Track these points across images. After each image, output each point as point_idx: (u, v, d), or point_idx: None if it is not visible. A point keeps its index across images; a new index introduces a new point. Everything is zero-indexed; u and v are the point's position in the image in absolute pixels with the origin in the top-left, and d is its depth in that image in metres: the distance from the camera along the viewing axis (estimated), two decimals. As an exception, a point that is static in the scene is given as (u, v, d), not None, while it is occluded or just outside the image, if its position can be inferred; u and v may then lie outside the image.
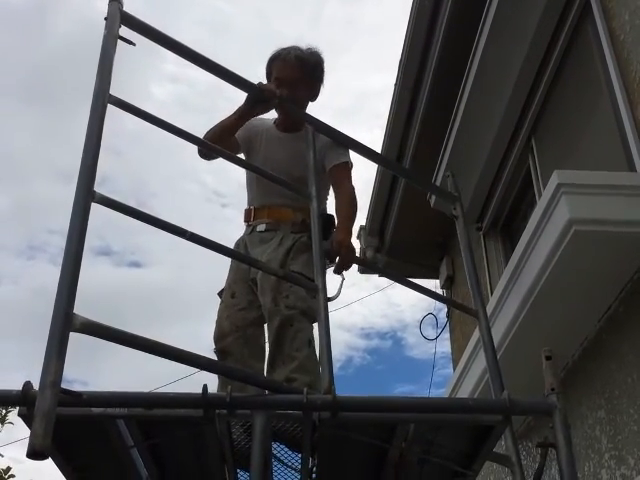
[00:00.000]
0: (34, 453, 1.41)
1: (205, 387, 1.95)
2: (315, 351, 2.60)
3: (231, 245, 2.91)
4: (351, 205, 2.80)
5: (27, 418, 1.99)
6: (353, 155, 2.93)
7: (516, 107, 4.44)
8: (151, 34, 2.21)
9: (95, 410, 2.02)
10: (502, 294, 3.25)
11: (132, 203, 2.02)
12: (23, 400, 1.92)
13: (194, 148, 2.80)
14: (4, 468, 4.05)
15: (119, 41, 2.06)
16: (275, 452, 2.40)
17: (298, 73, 2.88)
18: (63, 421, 2.04)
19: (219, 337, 2.67)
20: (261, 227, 2.85)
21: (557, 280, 2.79)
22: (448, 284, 6.44)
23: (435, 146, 5.04)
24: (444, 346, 6.83)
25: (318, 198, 2.45)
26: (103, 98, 1.93)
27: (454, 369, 6.02)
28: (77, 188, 1.76)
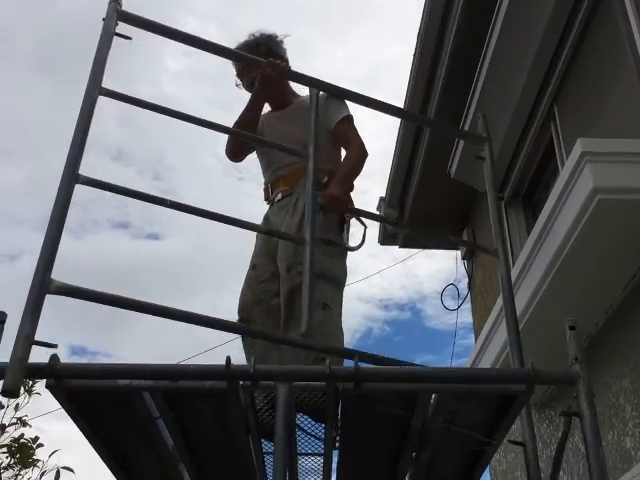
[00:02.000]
0: (4, 392, 1.73)
1: (228, 359, 1.96)
2: (333, 315, 2.61)
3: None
4: (354, 159, 2.84)
5: (54, 389, 2.03)
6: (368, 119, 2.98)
7: (538, 74, 4.38)
8: (150, 28, 2.34)
9: (121, 382, 2.04)
10: (525, 263, 3.23)
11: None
12: (50, 372, 1.95)
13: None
14: (32, 437, 4.14)
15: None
16: (298, 422, 2.42)
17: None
18: (90, 392, 2.09)
19: (242, 308, 2.71)
20: (278, 196, 2.88)
21: (581, 249, 2.76)
22: (469, 255, 6.42)
23: (455, 118, 4.99)
24: (464, 317, 6.82)
25: (315, 156, 2.44)
26: (94, 92, 2.11)
27: (475, 339, 6.02)
28: (63, 172, 1.98)
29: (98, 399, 2.15)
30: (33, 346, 1.81)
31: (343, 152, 2.99)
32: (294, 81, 2.95)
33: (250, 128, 2.90)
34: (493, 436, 2.42)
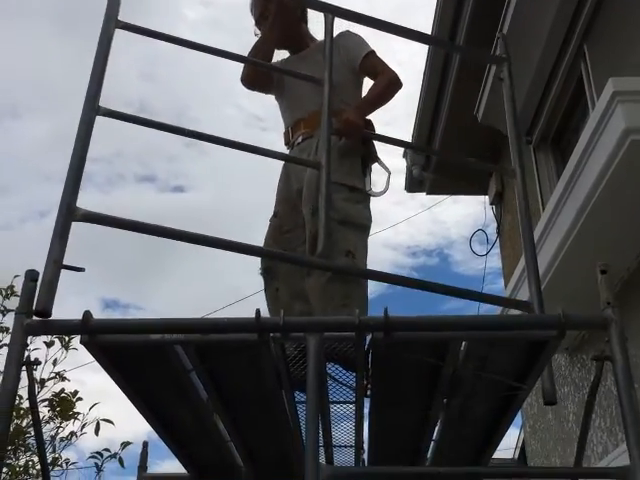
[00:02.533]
0: (38, 313, 1.89)
1: (258, 311, 1.97)
2: (357, 263, 2.61)
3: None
4: (381, 86, 2.82)
5: (88, 345, 2.07)
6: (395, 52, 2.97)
7: (567, 12, 4.24)
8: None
9: (153, 336, 2.07)
10: (555, 207, 3.19)
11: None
12: (83, 328, 1.98)
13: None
14: (72, 392, 4.26)
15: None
16: (329, 371, 2.44)
17: (268, 3, 2.99)
18: (123, 347, 2.13)
19: (262, 258, 2.71)
20: (299, 139, 2.86)
21: (613, 192, 2.71)
22: (497, 200, 6.36)
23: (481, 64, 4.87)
24: (493, 261, 6.78)
25: (330, 83, 2.39)
26: (110, 25, 2.17)
27: (505, 285, 6.00)
28: (83, 105, 2.06)
29: (132, 353, 2.19)
30: (69, 306, 1.86)
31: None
32: (308, 7, 2.92)
33: (264, 60, 2.92)
34: (524, 381, 2.42)
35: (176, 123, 2.21)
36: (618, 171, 2.61)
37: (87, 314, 1.97)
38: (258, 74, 3.02)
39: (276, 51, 3.09)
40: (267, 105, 3.22)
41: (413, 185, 7.17)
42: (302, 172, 2.70)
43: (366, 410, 2.66)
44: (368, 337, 2.13)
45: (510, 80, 2.74)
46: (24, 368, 1.97)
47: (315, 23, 3.13)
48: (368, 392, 2.52)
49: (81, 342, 2.07)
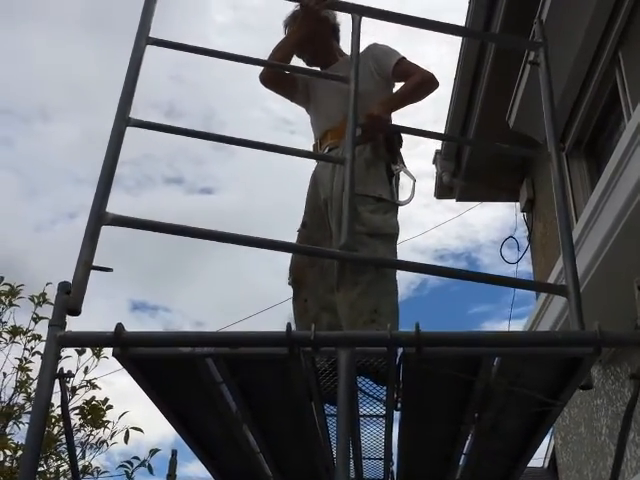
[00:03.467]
0: (69, 311, 2.00)
1: (289, 326, 1.97)
2: (387, 272, 2.59)
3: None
4: (413, 82, 2.80)
5: (120, 357, 2.08)
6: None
7: (602, 17, 4.18)
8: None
9: (184, 349, 2.07)
10: (589, 219, 3.13)
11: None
12: (116, 341, 1.99)
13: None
14: (102, 400, 4.29)
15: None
16: (360, 385, 2.43)
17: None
18: (154, 360, 2.14)
19: (293, 269, 2.73)
20: (325, 150, 2.85)
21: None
22: (528, 207, 6.28)
23: (513, 65, 4.82)
24: (522, 265, 6.66)
25: (356, 80, 2.37)
26: (142, 41, 2.24)
27: (536, 294, 5.92)
28: (115, 116, 2.14)
29: (163, 365, 2.19)
30: (102, 319, 1.88)
31: None
32: (333, 9, 2.92)
33: (288, 56, 2.94)
34: (558, 397, 2.38)
35: (204, 125, 2.31)
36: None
37: (119, 327, 1.98)
38: (275, 73, 3.02)
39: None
40: (295, 108, 3.22)
41: (443, 191, 7.11)
42: (329, 182, 2.70)
43: (396, 423, 2.64)
44: (399, 350, 2.11)
45: (546, 63, 2.64)
46: (57, 380, 2.00)
47: (346, 41, 3.14)
48: (398, 405, 2.50)
49: (113, 354, 2.08)
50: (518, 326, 11.29)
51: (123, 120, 2.15)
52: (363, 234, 2.57)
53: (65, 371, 2.12)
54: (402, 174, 2.85)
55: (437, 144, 6.78)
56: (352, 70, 2.41)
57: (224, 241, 2.16)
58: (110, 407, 4.20)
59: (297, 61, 3.12)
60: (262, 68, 2.99)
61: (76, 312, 1.98)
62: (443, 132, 6.45)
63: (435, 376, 2.24)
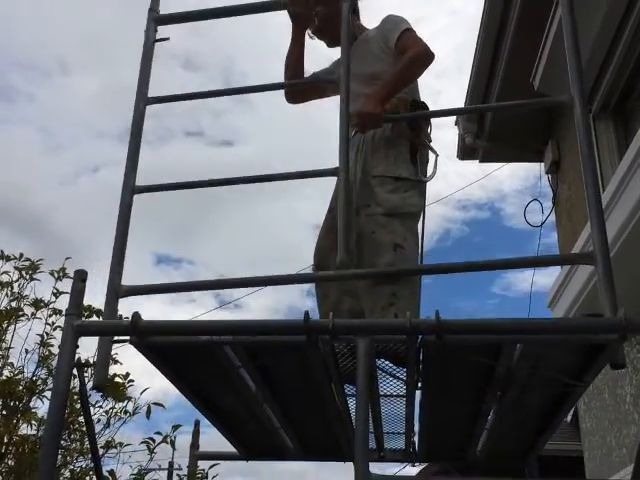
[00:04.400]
0: (96, 388, 2.10)
1: (307, 314, 1.94)
2: (407, 254, 2.55)
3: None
4: (402, 65, 2.68)
5: (137, 345, 2.07)
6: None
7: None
8: (187, 19, 2.47)
9: (202, 337, 2.06)
10: (615, 191, 3.04)
11: (220, 84, 2.36)
12: (133, 330, 1.98)
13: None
14: (124, 374, 4.33)
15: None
16: (380, 365, 2.41)
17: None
18: (173, 347, 2.13)
19: (317, 253, 2.71)
20: (351, 134, 2.79)
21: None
22: (553, 169, 6.15)
23: (538, 26, 4.66)
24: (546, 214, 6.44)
25: (346, 82, 2.30)
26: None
27: (559, 250, 5.84)
28: (136, 96, 2.26)
29: (180, 351, 2.18)
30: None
31: None
32: (321, 4, 2.83)
33: (298, 64, 2.87)
34: (582, 378, 2.34)
35: (224, 77, 2.37)
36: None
37: (136, 316, 1.97)
38: (296, 90, 2.97)
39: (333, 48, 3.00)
40: (315, 59, 3.14)
41: (465, 153, 6.99)
42: (353, 167, 2.64)
43: (417, 401, 2.63)
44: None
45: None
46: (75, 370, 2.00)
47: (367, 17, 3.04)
48: (419, 385, 2.48)
49: (130, 342, 2.07)
50: (543, 277, 11.21)
51: (128, 190, 2.19)
52: (380, 214, 2.54)
53: (84, 357, 2.13)
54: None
55: (458, 92, 6.63)
56: (342, 70, 2.32)
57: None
58: (132, 381, 4.24)
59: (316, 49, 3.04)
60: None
61: (101, 389, 2.10)
62: (466, 90, 6.31)
63: (456, 361, 2.21)
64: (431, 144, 2.76)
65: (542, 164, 6.55)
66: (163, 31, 2.35)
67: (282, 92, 2.96)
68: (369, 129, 2.58)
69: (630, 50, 4.39)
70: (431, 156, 2.76)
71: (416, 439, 3.26)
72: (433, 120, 2.86)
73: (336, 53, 2.93)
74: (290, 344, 2.06)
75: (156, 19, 2.38)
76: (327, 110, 2.98)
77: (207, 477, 3.97)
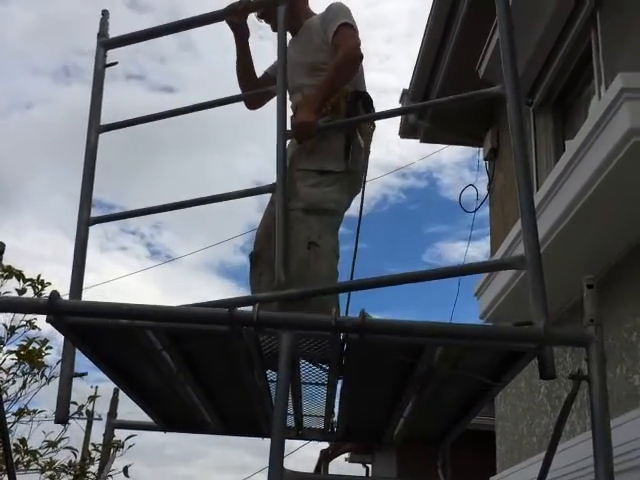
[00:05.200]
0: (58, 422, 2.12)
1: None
2: (321, 252, 2.54)
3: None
4: (333, 68, 2.63)
5: (55, 324, 2.01)
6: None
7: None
8: (134, 40, 2.46)
9: (122, 321, 2.01)
10: (547, 195, 3.09)
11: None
12: (49, 309, 1.92)
13: None
14: (42, 340, 4.17)
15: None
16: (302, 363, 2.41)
17: None
18: (93, 327, 2.07)
19: (255, 242, 2.72)
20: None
21: (609, 189, 2.62)
22: (491, 156, 6.23)
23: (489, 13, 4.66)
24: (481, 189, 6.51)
25: (283, 71, 2.30)
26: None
27: (491, 244, 5.96)
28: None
29: (101, 332, 2.13)
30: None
31: None
32: (260, 8, 2.78)
33: (245, 67, 2.87)
34: (500, 378, 2.40)
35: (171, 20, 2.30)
36: (617, 170, 2.51)
37: (54, 294, 1.90)
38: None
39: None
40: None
41: (407, 131, 7.01)
42: (289, 160, 2.60)
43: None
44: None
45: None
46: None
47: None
48: (342, 374, 2.49)
49: (47, 321, 2.01)
50: (473, 249, 11.43)
51: (83, 222, 2.19)
52: (299, 210, 2.52)
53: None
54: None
55: (406, 60, 6.62)
56: (279, 75, 2.29)
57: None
58: (50, 348, 4.13)
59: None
60: None
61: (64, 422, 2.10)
62: (413, 68, 6.30)
63: (379, 358, 2.23)
64: (370, 141, 2.75)
65: (481, 149, 6.63)
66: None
67: (228, 37, 2.91)
68: (304, 140, 2.55)
69: (575, 47, 4.45)
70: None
71: (335, 420, 3.30)
72: (380, 80, 2.86)
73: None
74: (214, 333, 2.03)
75: (104, 43, 2.36)
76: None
77: (123, 447, 3.93)
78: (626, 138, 2.39)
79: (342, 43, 2.65)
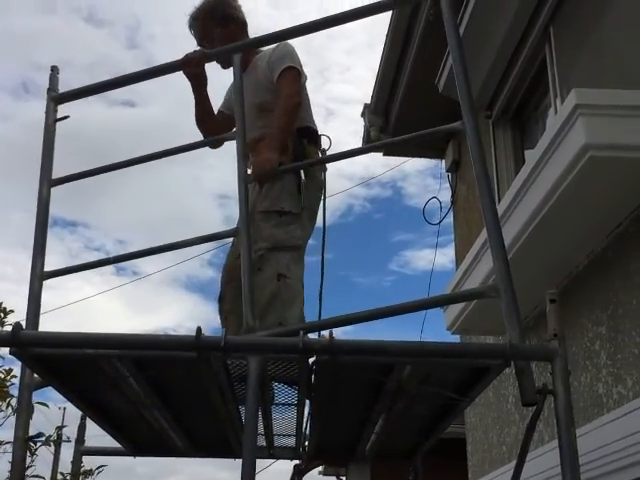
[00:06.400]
0: None
1: (199, 330, 1.90)
2: (289, 282, 2.64)
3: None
4: (281, 116, 2.71)
5: (18, 356, 1.98)
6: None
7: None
8: (85, 94, 2.43)
9: (88, 351, 1.99)
10: (506, 211, 3.13)
11: (123, 44, 2.33)
12: (13, 341, 1.89)
13: None
14: (6, 369, 4.10)
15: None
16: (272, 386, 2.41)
17: (207, 26, 2.92)
18: (57, 357, 2.05)
19: (220, 284, 2.80)
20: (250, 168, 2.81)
21: (566, 203, 2.68)
22: (454, 168, 6.30)
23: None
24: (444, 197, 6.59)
25: (242, 119, 2.31)
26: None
27: (456, 259, 6.02)
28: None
29: (65, 361, 2.10)
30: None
31: None
32: (215, 61, 2.84)
33: (204, 114, 2.94)
34: (467, 393, 2.42)
35: (129, 37, 2.27)
36: (574, 185, 2.56)
37: (17, 326, 1.88)
38: (214, 130, 2.95)
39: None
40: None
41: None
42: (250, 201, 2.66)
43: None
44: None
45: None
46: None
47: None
48: (311, 394, 2.50)
49: (10, 353, 1.98)
50: (439, 256, 11.52)
51: (36, 277, 2.14)
52: (265, 249, 2.62)
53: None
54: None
55: (366, 98, 6.67)
56: (237, 122, 2.31)
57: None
58: (15, 377, 4.05)
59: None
60: None
61: None
62: (374, 81, 6.35)
63: (347, 376, 2.24)
64: (324, 172, 2.86)
65: (443, 161, 6.70)
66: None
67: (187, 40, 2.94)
68: (266, 182, 2.60)
69: (530, 62, 4.53)
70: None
71: (306, 437, 3.31)
72: (341, 92, 2.93)
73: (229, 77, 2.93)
74: (181, 359, 2.02)
75: (54, 98, 2.34)
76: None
77: (93, 474, 3.87)
78: (582, 153, 2.45)
79: (283, 89, 2.75)
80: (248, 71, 2.88)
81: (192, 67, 2.59)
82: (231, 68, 2.44)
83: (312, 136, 2.85)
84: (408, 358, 2.03)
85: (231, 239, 2.88)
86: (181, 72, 2.64)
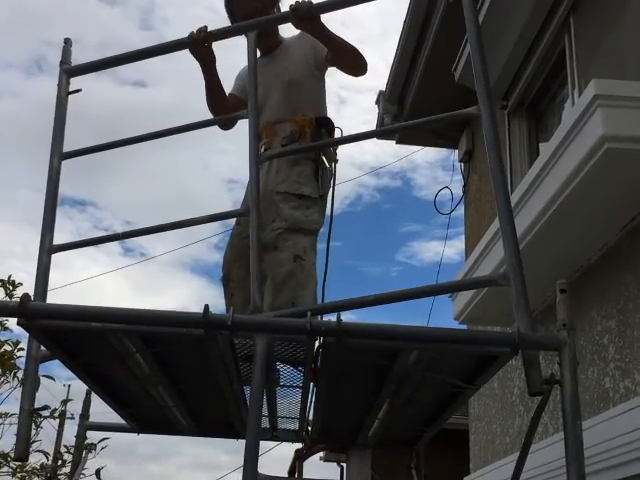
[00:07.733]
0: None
1: (206, 308, 1.90)
2: (305, 264, 2.66)
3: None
4: (348, 43, 2.67)
5: (26, 327, 1.98)
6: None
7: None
8: (98, 67, 2.44)
9: (95, 324, 1.99)
10: (520, 200, 3.11)
11: (136, 24, 2.27)
12: (20, 312, 1.89)
13: None
14: (14, 341, 4.12)
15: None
16: (278, 367, 2.41)
17: (258, 2, 2.83)
18: (64, 330, 2.05)
19: (224, 264, 2.80)
20: (261, 150, 2.80)
21: (582, 194, 2.65)
22: (467, 158, 6.26)
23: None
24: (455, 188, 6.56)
25: (254, 96, 2.27)
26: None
27: (465, 249, 5.99)
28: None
29: (72, 334, 2.10)
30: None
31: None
32: (222, 39, 2.79)
33: (215, 92, 2.88)
34: (473, 381, 2.41)
35: (142, 19, 2.26)
36: (590, 176, 2.53)
37: (25, 297, 1.88)
38: (224, 110, 2.88)
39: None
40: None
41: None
42: (263, 183, 2.64)
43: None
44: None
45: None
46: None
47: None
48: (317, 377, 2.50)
49: (18, 324, 1.98)
50: (449, 248, 11.46)
51: (45, 250, 2.13)
52: (284, 229, 2.64)
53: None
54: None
55: (380, 62, 6.63)
56: (250, 99, 2.28)
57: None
58: (22, 349, 4.06)
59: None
60: None
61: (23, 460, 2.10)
62: (390, 68, 6.31)
63: (354, 360, 2.23)
64: (335, 163, 2.89)
65: (456, 151, 6.66)
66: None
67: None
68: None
69: (549, 52, 4.48)
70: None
71: (310, 421, 3.31)
72: (355, 81, 2.94)
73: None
74: (188, 336, 2.02)
75: (67, 71, 2.32)
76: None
77: (95, 448, 3.88)
78: (599, 144, 2.42)
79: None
80: (276, 54, 2.91)
81: (198, 48, 2.57)
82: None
83: (330, 127, 2.88)
84: (416, 343, 2.02)
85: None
86: (189, 53, 2.63)
